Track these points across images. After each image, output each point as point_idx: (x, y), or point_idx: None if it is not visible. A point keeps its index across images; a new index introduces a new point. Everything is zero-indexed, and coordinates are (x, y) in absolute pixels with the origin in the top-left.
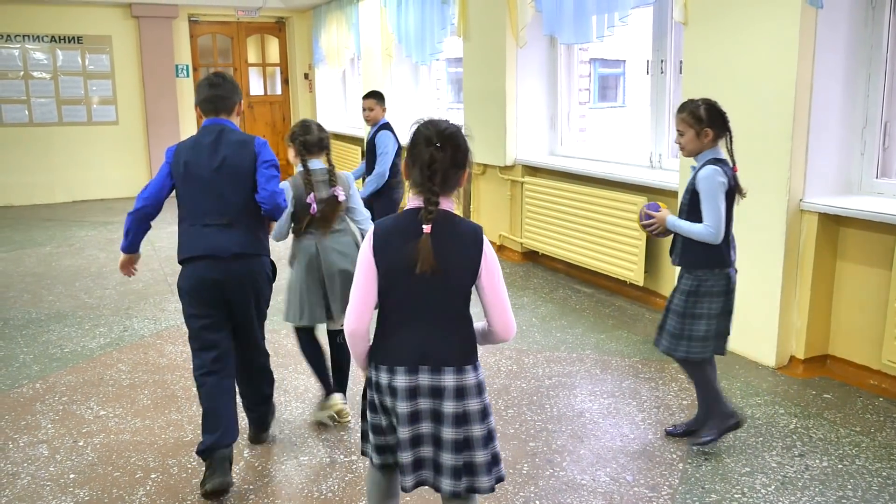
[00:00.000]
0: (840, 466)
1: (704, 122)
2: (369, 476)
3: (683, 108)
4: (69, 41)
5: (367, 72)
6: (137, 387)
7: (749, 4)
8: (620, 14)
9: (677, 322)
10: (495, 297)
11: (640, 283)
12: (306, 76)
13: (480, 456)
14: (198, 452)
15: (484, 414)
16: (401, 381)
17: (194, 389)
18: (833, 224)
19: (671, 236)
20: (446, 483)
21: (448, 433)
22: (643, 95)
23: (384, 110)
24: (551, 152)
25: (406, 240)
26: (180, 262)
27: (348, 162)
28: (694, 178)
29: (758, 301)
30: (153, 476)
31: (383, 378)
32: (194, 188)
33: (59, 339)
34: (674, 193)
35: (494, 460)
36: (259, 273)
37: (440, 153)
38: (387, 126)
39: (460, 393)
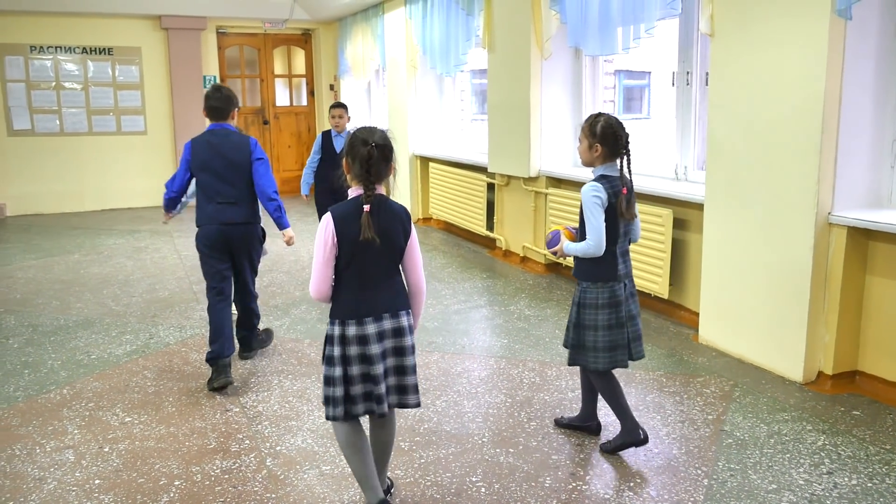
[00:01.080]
0: (870, 485)
1: (597, 138)
2: (345, 433)
3: (588, 118)
4: (100, 52)
5: (391, 83)
6: (162, 394)
7: (776, 16)
8: (646, 26)
9: (573, 332)
10: (416, 258)
11: (665, 296)
12: (332, 87)
13: (410, 379)
14: (207, 360)
15: (412, 349)
16: (371, 328)
17: (219, 397)
18: (862, 238)
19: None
20: (412, 399)
21: (409, 360)
22: (668, 107)
23: (349, 119)
24: (575, 164)
25: (356, 219)
26: (198, 226)
27: None
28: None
29: (785, 315)
30: (177, 483)
31: (352, 330)
32: (210, 177)
33: (87, 346)
34: (699, 206)
35: (402, 390)
36: (253, 235)
37: (375, 151)
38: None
39: (411, 329)
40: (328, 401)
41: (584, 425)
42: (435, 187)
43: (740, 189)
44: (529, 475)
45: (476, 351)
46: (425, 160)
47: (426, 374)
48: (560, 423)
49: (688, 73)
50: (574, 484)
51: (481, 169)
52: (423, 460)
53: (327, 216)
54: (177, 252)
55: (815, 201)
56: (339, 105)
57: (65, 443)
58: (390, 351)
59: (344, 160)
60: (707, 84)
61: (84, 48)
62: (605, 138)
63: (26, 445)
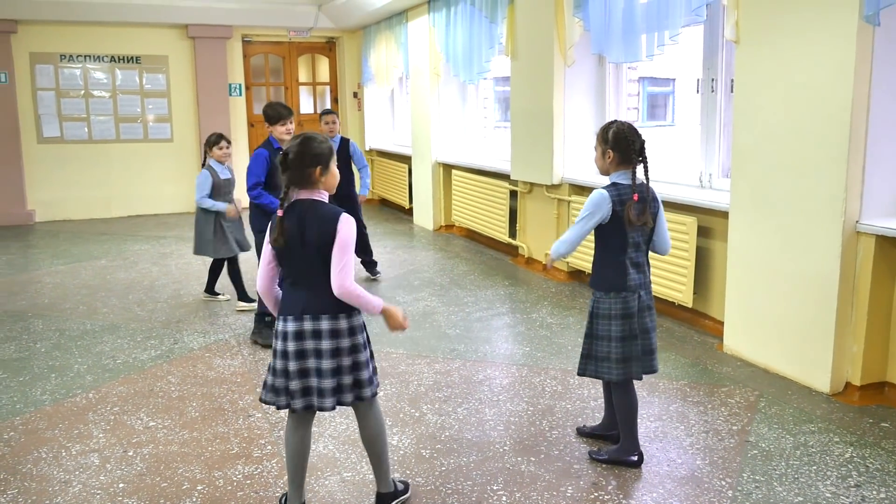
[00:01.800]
0: None
1: (608, 144)
2: (287, 426)
3: (602, 126)
4: (128, 61)
5: (415, 90)
6: (186, 399)
7: (803, 22)
8: (671, 32)
9: (585, 342)
10: (335, 260)
11: (689, 305)
12: (355, 95)
13: (346, 379)
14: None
15: (353, 349)
16: (308, 325)
17: (241, 403)
18: (891, 246)
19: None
20: (367, 391)
21: (325, 364)
22: (693, 114)
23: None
24: (598, 171)
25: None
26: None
27: (395, 179)
28: None
29: (812, 325)
30: (199, 488)
31: (290, 326)
32: (276, 177)
33: (112, 351)
34: (724, 214)
35: (357, 384)
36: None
37: (286, 158)
38: (347, 139)
39: (333, 333)
40: (264, 385)
41: (607, 434)
42: (458, 195)
43: (766, 197)
44: (551, 484)
45: (498, 359)
46: (448, 167)
47: (448, 381)
48: (582, 432)
49: (713, 79)
50: (596, 494)
51: (504, 176)
52: (443, 468)
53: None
54: (201, 258)
55: (843, 209)
56: (331, 112)
57: (90, 446)
58: (311, 353)
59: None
60: (732, 91)
61: (112, 57)
62: (618, 144)
63: (52, 448)
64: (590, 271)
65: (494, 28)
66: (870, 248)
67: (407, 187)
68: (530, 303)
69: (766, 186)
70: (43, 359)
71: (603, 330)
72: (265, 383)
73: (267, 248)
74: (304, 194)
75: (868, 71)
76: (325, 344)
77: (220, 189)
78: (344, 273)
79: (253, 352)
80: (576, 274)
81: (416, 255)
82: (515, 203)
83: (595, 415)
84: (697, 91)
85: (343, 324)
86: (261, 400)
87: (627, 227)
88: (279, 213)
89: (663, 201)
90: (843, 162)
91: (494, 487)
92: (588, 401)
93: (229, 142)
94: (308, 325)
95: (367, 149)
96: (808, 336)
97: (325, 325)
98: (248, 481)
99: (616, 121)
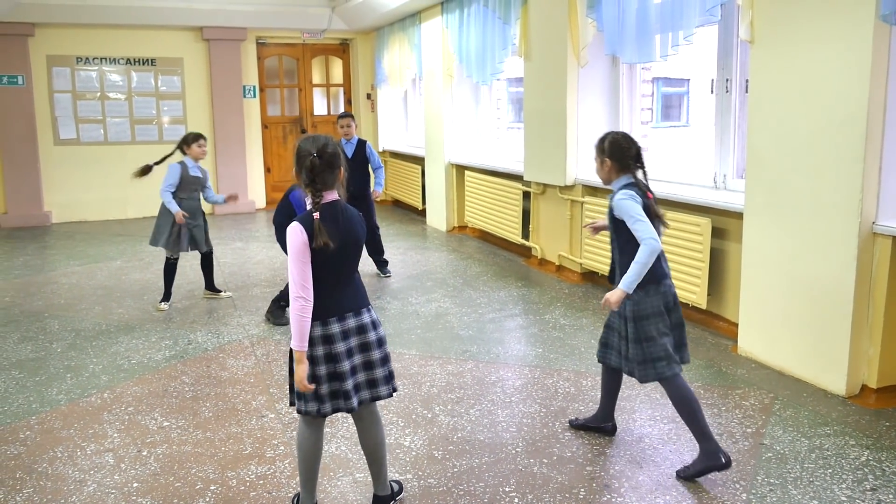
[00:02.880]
0: None
1: (605, 154)
2: (309, 431)
3: (598, 138)
4: (143, 63)
5: (428, 92)
6: (200, 399)
7: (818, 21)
8: (685, 33)
9: (634, 349)
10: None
11: (703, 306)
12: (368, 96)
13: (382, 371)
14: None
15: (382, 341)
16: (335, 327)
17: (254, 403)
18: None
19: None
20: (384, 390)
21: (376, 354)
22: (707, 115)
23: (357, 127)
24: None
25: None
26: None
27: (409, 180)
28: (610, 206)
29: (827, 327)
30: (212, 488)
31: (316, 331)
32: None
33: (127, 351)
34: (738, 215)
35: (387, 378)
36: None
37: (317, 160)
38: (363, 140)
39: (374, 324)
40: (299, 395)
41: (601, 426)
42: (470, 195)
43: (781, 198)
44: (563, 486)
45: (510, 360)
46: (461, 168)
47: (460, 382)
48: (574, 425)
49: (727, 80)
50: (609, 496)
51: (517, 177)
52: (455, 469)
53: (296, 225)
54: (215, 258)
55: (859, 210)
56: (348, 115)
57: (105, 446)
58: (356, 348)
59: (294, 171)
60: (747, 91)
61: (128, 59)
62: (613, 153)
63: (67, 448)
64: (603, 273)
65: (508, 29)
66: (886, 249)
67: (420, 188)
68: (543, 304)
69: (781, 187)
70: (59, 359)
71: (652, 330)
72: (300, 392)
73: (306, 253)
74: (328, 196)
75: (885, 70)
76: (372, 335)
77: (188, 185)
78: None
79: (266, 353)
80: (589, 275)
81: (428, 256)
82: (528, 204)
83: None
84: (712, 91)
85: (366, 318)
86: (302, 411)
87: (654, 218)
88: (316, 215)
89: (678, 202)
90: (860, 162)
91: (507, 489)
92: None
93: (205, 139)
94: (352, 321)
95: (381, 150)
96: (823, 338)
97: (366, 318)
98: (261, 482)
99: (611, 131)
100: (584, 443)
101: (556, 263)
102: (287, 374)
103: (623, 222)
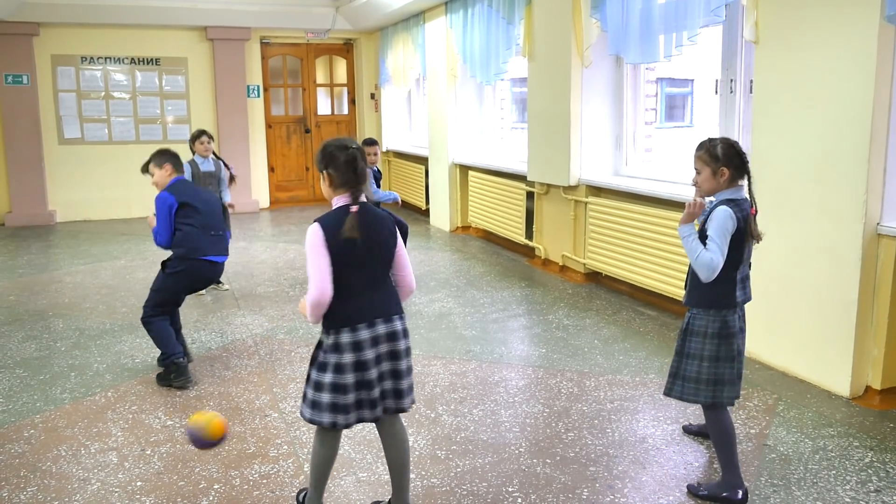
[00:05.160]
0: None
1: (721, 161)
2: (328, 443)
3: (701, 146)
4: (147, 63)
5: (432, 92)
6: (203, 398)
7: (823, 22)
8: (689, 33)
9: (674, 360)
10: (407, 259)
11: None
12: (372, 96)
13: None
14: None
15: (409, 351)
16: (365, 334)
17: (258, 402)
18: None
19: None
20: (407, 401)
21: (404, 364)
22: (712, 116)
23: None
24: (616, 172)
25: (342, 226)
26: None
27: (412, 180)
28: (707, 217)
29: (831, 328)
30: (216, 487)
31: (345, 338)
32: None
33: (131, 350)
34: None
35: (410, 388)
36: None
37: (356, 152)
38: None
39: (405, 332)
40: (314, 405)
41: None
42: (474, 196)
43: (785, 198)
44: (566, 486)
45: (514, 360)
46: (465, 168)
47: (464, 382)
48: (689, 430)
49: (731, 80)
50: (612, 497)
51: (521, 177)
52: (459, 469)
53: (315, 226)
54: None
55: (864, 211)
56: (375, 142)
57: (108, 445)
58: (385, 355)
59: (323, 174)
60: (751, 92)
61: (132, 59)
62: (731, 159)
63: (72, 447)
64: (606, 272)
65: (512, 29)
66: (891, 250)
67: (424, 188)
68: (547, 304)
69: (785, 188)
70: (63, 358)
71: (695, 348)
72: (319, 403)
73: (327, 254)
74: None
75: (889, 71)
76: (402, 344)
77: (201, 180)
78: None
79: (270, 352)
80: (592, 275)
81: (432, 256)
82: (532, 204)
83: (612, 417)
84: (716, 92)
85: (398, 325)
86: (322, 423)
87: (748, 241)
88: (354, 209)
89: (682, 203)
90: (864, 163)
91: (510, 489)
92: (604, 403)
93: (210, 137)
94: (382, 328)
95: (385, 150)
96: (827, 339)
97: (398, 325)
98: (265, 481)
99: (714, 138)
100: (587, 443)
101: (560, 264)
102: (307, 383)
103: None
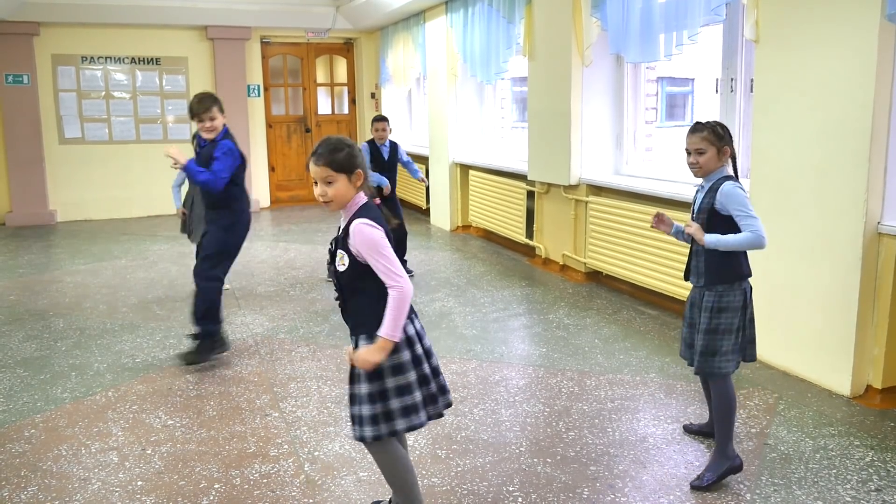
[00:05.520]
0: None
1: (724, 141)
2: (394, 452)
3: (702, 127)
4: (148, 62)
5: (432, 91)
6: (204, 398)
7: (823, 21)
8: (689, 32)
9: (704, 338)
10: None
11: None
12: (373, 95)
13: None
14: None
15: None
16: (418, 324)
17: (258, 402)
18: None
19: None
20: (450, 396)
21: (436, 359)
22: (712, 115)
23: (391, 130)
24: (616, 171)
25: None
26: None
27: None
28: (713, 197)
29: (832, 327)
30: (216, 486)
31: (410, 329)
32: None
33: (132, 350)
34: None
35: None
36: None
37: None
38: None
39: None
40: (388, 416)
41: (713, 431)
42: (475, 195)
43: (786, 198)
44: (567, 486)
45: (514, 360)
46: (465, 168)
47: (464, 381)
48: (690, 430)
49: (732, 79)
50: (612, 496)
51: (521, 177)
52: (459, 468)
53: (372, 224)
54: None
55: (864, 210)
56: (383, 118)
57: (109, 444)
58: (428, 350)
59: (352, 175)
60: (752, 91)
61: (133, 58)
62: (730, 139)
63: (72, 446)
64: (606, 272)
65: (512, 28)
66: (892, 249)
67: (424, 188)
68: (547, 304)
69: (785, 187)
70: (63, 357)
71: (727, 323)
72: (389, 412)
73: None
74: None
75: (890, 70)
76: (427, 341)
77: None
78: None
79: (270, 351)
80: (593, 275)
81: (432, 255)
82: (532, 204)
83: (612, 416)
84: (716, 91)
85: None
86: (397, 430)
87: None
88: (377, 201)
89: (682, 202)
90: (865, 162)
91: (510, 488)
92: (605, 402)
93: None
94: (418, 323)
95: None
96: (828, 338)
97: (418, 322)
98: (265, 480)
99: (708, 121)
100: (587, 443)
101: (560, 263)
102: (353, 403)
103: (720, 217)
